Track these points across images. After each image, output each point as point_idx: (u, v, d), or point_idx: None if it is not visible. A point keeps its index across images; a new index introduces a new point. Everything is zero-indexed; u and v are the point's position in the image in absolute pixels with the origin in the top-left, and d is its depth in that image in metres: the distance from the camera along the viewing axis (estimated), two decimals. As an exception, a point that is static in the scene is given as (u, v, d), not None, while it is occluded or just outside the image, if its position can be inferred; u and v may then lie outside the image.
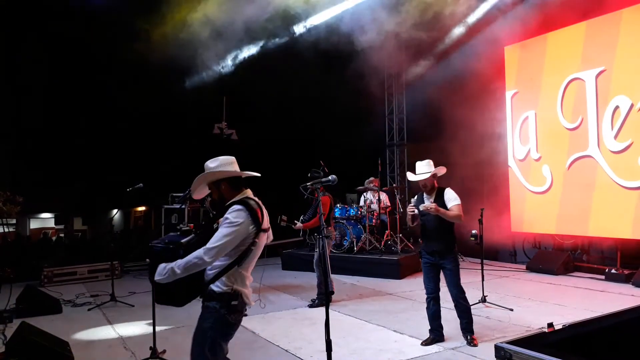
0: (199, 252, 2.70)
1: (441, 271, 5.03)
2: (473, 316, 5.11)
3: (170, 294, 2.83)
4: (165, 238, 2.96)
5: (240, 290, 2.83)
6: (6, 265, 6.85)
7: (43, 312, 6.44)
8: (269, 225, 3.04)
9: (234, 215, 2.77)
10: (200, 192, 3.14)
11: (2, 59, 8.95)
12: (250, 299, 2.90)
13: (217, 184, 2.98)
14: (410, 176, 5.11)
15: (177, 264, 2.70)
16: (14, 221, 9.09)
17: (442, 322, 5.08)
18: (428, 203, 4.91)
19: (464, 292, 5.05)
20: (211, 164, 3.00)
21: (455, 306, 5.04)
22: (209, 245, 2.70)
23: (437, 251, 4.95)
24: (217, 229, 2.80)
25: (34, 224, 10.09)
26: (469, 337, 4.93)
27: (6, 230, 8.27)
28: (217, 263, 2.79)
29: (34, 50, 9.00)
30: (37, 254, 9.18)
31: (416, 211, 4.92)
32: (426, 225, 5.05)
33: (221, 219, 2.81)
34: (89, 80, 9.63)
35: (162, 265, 2.73)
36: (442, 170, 5.08)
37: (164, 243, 2.85)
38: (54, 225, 10.17)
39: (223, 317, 2.80)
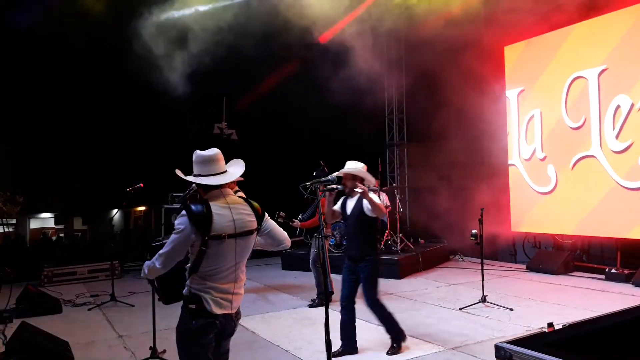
0: (154, 257, 2.70)
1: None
2: (473, 316, 5.10)
3: (170, 292, 2.86)
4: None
5: (200, 295, 2.69)
6: (6, 265, 6.85)
7: (43, 312, 6.44)
8: (253, 227, 2.83)
9: (178, 221, 2.68)
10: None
11: (2, 60, 8.95)
12: (214, 307, 2.68)
13: (199, 185, 2.86)
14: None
15: (146, 264, 2.74)
16: (14, 221, 9.07)
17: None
18: (352, 203, 4.75)
19: (376, 304, 4.79)
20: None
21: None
22: (160, 251, 2.68)
23: (354, 257, 4.75)
24: None
25: (34, 224, 10.09)
26: (392, 345, 4.78)
27: (6, 230, 8.27)
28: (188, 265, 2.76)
29: (33, 51, 9.01)
30: (37, 254, 9.17)
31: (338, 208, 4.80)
32: (347, 229, 4.94)
33: None
34: (89, 81, 9.63)
35: (145, 263, 2.76)
36: (367, 180, 4.72)
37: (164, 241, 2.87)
38: (54, 225, 10.17)
39: (185, 320, 2.73)
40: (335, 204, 4.80)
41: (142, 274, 2.83)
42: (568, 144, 8.61)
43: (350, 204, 4.78)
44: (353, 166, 4.68)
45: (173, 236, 2.67)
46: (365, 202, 4.58)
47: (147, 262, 2.75)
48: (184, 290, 2.76)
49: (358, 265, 4.71)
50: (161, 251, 2.67)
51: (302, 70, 9.63)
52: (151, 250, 2.85)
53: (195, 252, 2.67)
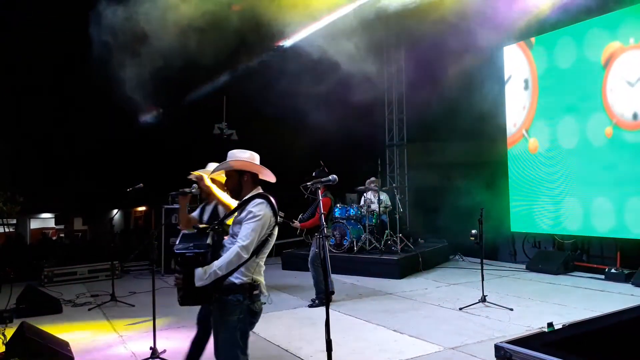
0: (234, 250, 2.81)
1: None
2: (473, 316, 5.11)
3: (199, 294, 2.86)
4: (186, 241, 2.95)
5: (259, 280, 2.95)
6: (6, 265, 6.85)
7: (43, 312, 6.44)
8: None
9: (258, 208, 2.89)
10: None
11: (2, 59, 8.94)
12: (265, 289, 3.01)
13: (241, 173, 3.07)
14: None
15: (218, 266, 2.79)
16: (14, 221, 9.07)
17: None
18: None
19: None
20: (241, 154, 3.10)
21: None
22: (243, 242, 2.81)
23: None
24: (237, 221, 2.93)
25: (34, 224, 10.09)
26: None
27: (6, 230, 8.27)
28: None
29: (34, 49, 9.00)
30: (38, 254, 9.17)
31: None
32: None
33: (243, 212, 2.93)
34: (89, 81, 9.62)
35: (199, 270, 2.78)
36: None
37: (191, 248, 2.87)
38: (54, 225, 10.17)
39: (248, 307, 2.89)
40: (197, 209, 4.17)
41: (219, 272, 2.78)
42: (569, 142, 8.62)
43: (208, 210, 4.05)
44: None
45: (255, 223, 2.85)
46: (220, 208, 3.82)
47: (228, 257, 2.80)
48: (236, 280, 2.87)
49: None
50: (246, 241, 2.81)
51: (303, 70, 9.62)
52: (182, 258, 2.85)
53: (265, 235, 2.92)
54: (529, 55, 9.41)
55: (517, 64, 9.63)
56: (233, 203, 3.61)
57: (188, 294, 2.87)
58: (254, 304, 2.93)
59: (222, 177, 3.69)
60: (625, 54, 7.77)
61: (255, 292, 2.93)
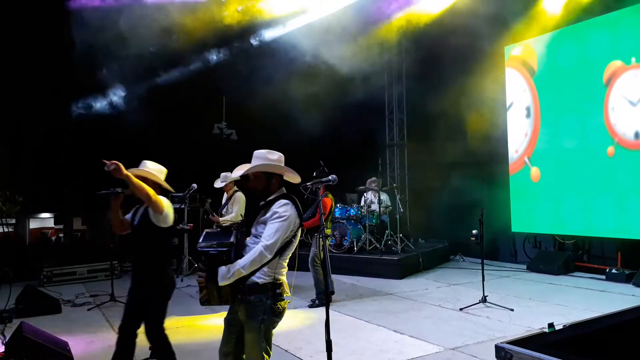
0: (258, 250, 2.81)
1: None
2: (473, 316, 5.10)
3: (222, 294, 2.86)
4: (209, 239, 2.95)
5: (282, 280, 2.97)
6: (6, 265, 6.84)
7: (43, 312, 6.43)
8: None
9: (283, 209, 2.91)
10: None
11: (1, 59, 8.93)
12: (288, 289, 3.01)
13: (270, 175, 3.08)
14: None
15: (242, 265, 2.80)
16: (13, 221, 9.04)
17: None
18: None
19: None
20: (271, 155, 3.10)
21: None
22: (267, 242, 2.82)
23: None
24: (261, 221, 2.95)
25: (33, 224, 10.07)
26: None
27: (6, 230, 8.25)
28: None
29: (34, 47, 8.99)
30: (37, 254, 9.15)
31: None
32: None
33: (267, 213, 2.94)
34: (88, 82, 9.62)
35: (223, 269, 2.78)
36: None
37: (214, 246, 2.87)
38: (53, 225, 10.14)
39: (271, 307, 2.90)
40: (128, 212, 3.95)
41: (243, 271, 2.78)
42: (569, 142, 8.61)
43: (140, 213, 3.87)
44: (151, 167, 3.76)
45: (280, 224, 2.87)
46: (150, 210, 3.64)
47: (252, 256, 2.80)
48: (259, 280, 2.88)
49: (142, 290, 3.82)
50: (271, 241, 2.82)
51: (302, 70, 9.62)
52: (206, 256, 2.85)
53: (290, 236, 2.94)
54: (528, 54, 9.40)
55: (517, 63, 9.61)
56: (164, 200, 3.75)
57: (211, 294, 2.85)
58: (276, 304, 2.93)
59: (141, 171, 3.72)
60: (626, 73, 7.73)
61: (278, 291, 2.94)
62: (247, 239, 3.06)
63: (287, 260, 3.04)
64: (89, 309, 6.77)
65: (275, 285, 2.93)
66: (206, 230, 3.10)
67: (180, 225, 8.41)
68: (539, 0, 8.97)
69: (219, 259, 2.81)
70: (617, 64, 7.87)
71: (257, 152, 3.13)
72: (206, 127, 11.17)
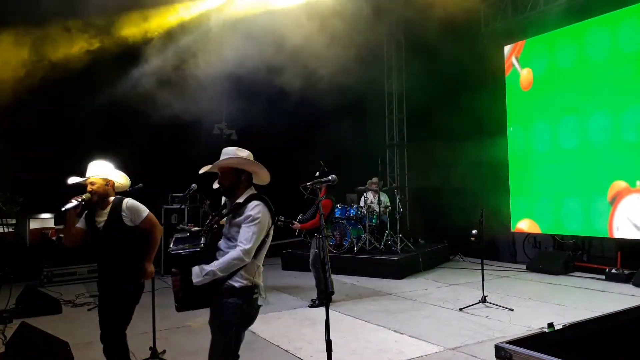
0: (237, 254, 2.78)
1: None
2: (473, 316, 5.10)
3: (198, 297, 2.85)
4: (180, 243, 2.95)
5: (258, 283, 2.94)
6: (6, 266, 6.83)
7: (43, 313, 6.43)
8: None
9: (256, 210, 2.86)
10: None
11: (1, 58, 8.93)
12: (263, 292, 2.98)
13: (239, 172, 3.01)
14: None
15: (218, 267, 2.77)
16: (13, 221, 9.04)
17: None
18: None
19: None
20: (241, 152, 3.04)
21: None
22: (246, 246, 2.79)
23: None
24: (234, 223, 2.90)
25: (33, 224, 10.06)
26: None
27: (6, 230, 8.25)
28: None
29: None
30: (37, 254, 9.15)
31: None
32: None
33: (241, 215, 2.87)
34: (88, 81, 9.61)
35: (196, 268, 2.77)
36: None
37: (185, 248, 2.87)
38: (53, 226, 10.14)
39: (245, 311, 2.88)
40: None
41: (219, 273, 2.77)
42: (569, 142, 8.62)
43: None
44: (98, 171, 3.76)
45: (255, 227, 2.82)
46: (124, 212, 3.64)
47: (228, 258, 2.77)
48: (236, 283, 2.84)
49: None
50: (248, 245, 2.79)
51: (301, 71, 9.61)
52: (178, 258, 2.84)
53: (263, 237, 2.89)
54: (528, 54, 9.40)
55: (517, 63, 9.62)
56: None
57: (186, 297, 2.83)
58: (252, 308, 2.92)
59: (97, 179, 3.77)
60: (630, 196, 7.67)
61: (255, 295, 2.92)
62: (220, 241, 2.99)
63: (262, 261, 3.00)
64: (89, 309, 6.76)
65: (252, 288, 2.90)
66: (175, 235, 3.08)
67: (181, 225, 8.40)
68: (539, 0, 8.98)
69: (192, 259, 2.81)
70: (621, 184, 7.82)
71: (226, 149, 3.05)
72: (206, 127, 11.16)
